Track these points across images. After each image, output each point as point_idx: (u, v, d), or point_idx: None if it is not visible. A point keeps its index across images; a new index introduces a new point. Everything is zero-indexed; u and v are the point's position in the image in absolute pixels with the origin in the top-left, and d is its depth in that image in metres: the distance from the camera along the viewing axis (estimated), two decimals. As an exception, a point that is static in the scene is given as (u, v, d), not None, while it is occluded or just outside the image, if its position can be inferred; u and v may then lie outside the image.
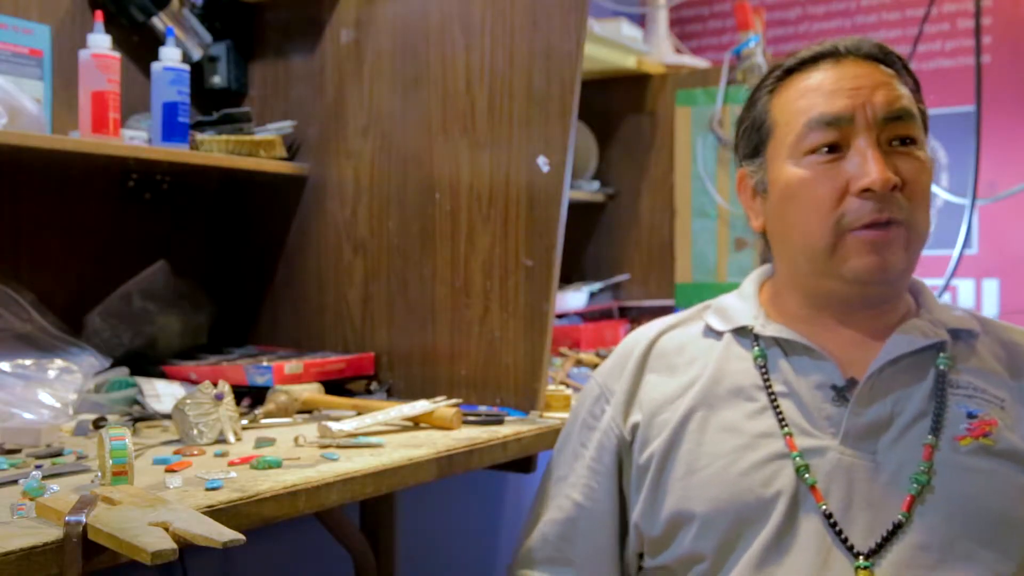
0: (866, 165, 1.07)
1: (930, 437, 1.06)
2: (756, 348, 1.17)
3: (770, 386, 1.13)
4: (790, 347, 1.16)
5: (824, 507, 1.04)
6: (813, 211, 1.10)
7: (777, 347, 1.16)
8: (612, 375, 1.25)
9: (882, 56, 1.14)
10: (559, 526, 1.24)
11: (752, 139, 1.19)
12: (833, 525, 1.04)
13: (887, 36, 2.98)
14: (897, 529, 1.02)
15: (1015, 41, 2.80)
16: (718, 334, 1.22)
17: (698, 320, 1.26)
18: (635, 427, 1.19)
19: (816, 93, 1.12)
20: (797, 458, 1.07)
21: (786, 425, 1.10)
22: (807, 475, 1.06)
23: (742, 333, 1.20)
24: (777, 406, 1.11)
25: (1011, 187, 2.66)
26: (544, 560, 1.24)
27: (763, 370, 1.15)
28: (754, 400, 1.14)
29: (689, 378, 1.19)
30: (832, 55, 1.14)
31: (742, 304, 1.23)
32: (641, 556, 1.19)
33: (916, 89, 1.16)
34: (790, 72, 1.16)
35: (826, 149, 1.10)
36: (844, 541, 1.03)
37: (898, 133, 1.10)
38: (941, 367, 1.11)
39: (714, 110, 2.46)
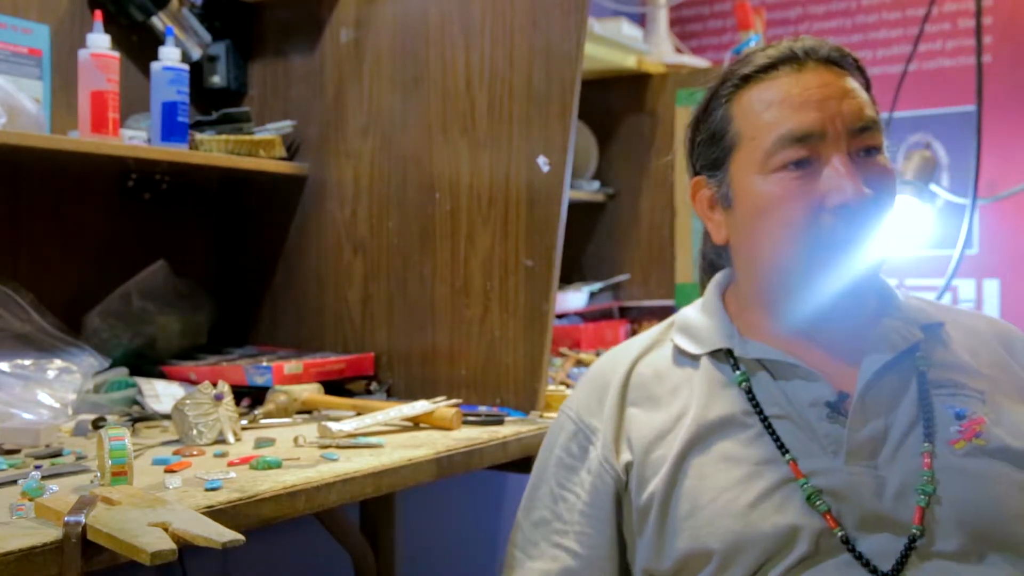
0: (840, 180, 1.05)
1: (926, 444, 1.04)
2: (738, 372, 1.12)
3: (760, 411, 1.09)
4: (776, 367, 1.11)
5: (840, 532, 1.02)
6: (785, 229, 1.08)
7: (762, 369, 1.12)
8: (588, 410, 1.17)
9: (839, 58, 1.12)
10: None
11: (711, 152, 1.14)
12: (852, 549, 1.02)
13: (888, 36, 2.98)
14: (913, 543, 1.00)
15: (1016, 41, 2.80)
16: (693, 358, 1.16)
17: (667, 341, 1.20)
18: (628, 466, 1.12)
19: (783, 106, 1.08)
20: (805, 484, 1.03)
21: (786, 450, 1.06)
22: (818, 501, 1.03)
23: (719, 357, 1.14)
24: (772, 431, 1.08)
25: (1011, 187, 2.66)
26: None
27: (749, 394, 1.10)
28: (747, 427, 1.09)
29: (677, 410, 1.13)
30: (791, 60, 1.10)
31: (710, 321, 1.17)
32: None
33: (869, 88, 1.14)
34: (747, 79, 1.12)
35: (796, 164, 1.07)
36: (866, 564, 1.01)
37: (865, 143, 1.09)
38: (921, 368, 1.09)
39: (714, 110, 2.46)
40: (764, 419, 1.09)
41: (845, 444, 1.06)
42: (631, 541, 1.12)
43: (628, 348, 1.21)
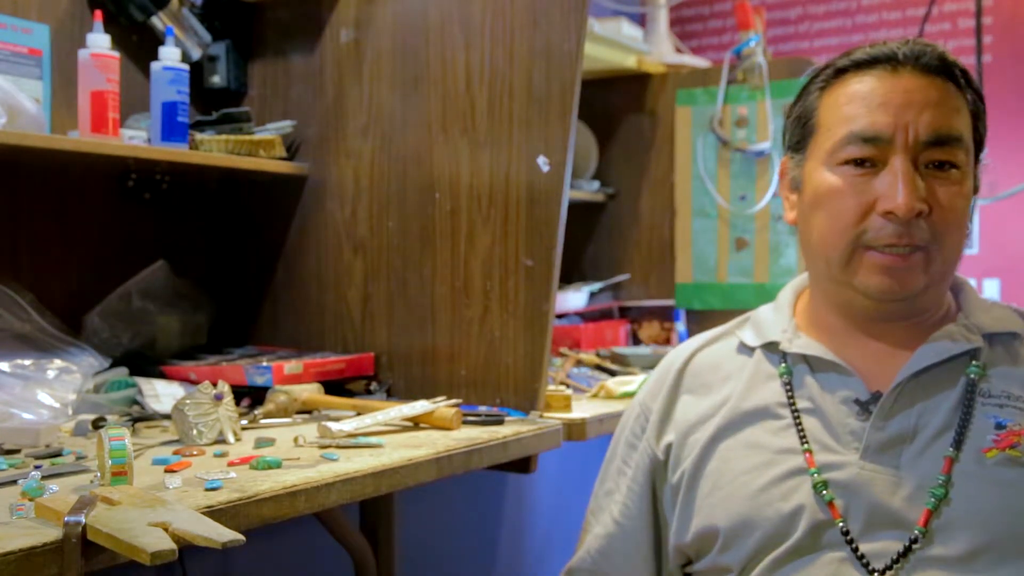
0: (894, 188, 1.05)
1: (951, 449, 1.03)
2: (783, 365, 1.16)
3: (794, 403, 1.12)
4: (817, 363, 1.14)
5: (841, 524, 1.03)
6: (836, 221, 1.09)
7: (804, 363, 1.15)
8: (651, 394, 1.26)
9: (943, 68, 1.09)
10: (600, 541, 1.26)
11: (797, 132, 1.17)
12: (850, 542, 1.02)
13: (888, 36, 2.97)
14: (913, 544, 1.01)
15: (1016, 40, 2.80)
16: (750, 350, 1.21)
17: (733, 334, 1.25)
18: (668, 447, 1.20)
19: (862, 103, 1.09)
20: (815, 474, 1.06)
21: (807, 441, 1.09)
22: (824, 491, 1.04)
23: (771, 349, 1.18)
24: (800, 423, 1.10)
25: (1011, 187, 2.66)
26: (585, 571, 1.28)
27: (788, 387, 1.14)
28: (779, 418, 1.13)
29: (721, 397, 1.18)
30: (889, 61, 1.10)
31: (775, 316, 1.22)
32: (683, 568, 1.20)
33: (977, 102, 1.12)
34: (844, 71, 1.13)
35: (860, 162, 1.08)
36: (860, 558, 1.01)
37: (937, 157, 1.07)
38: (971, 375, 1.08)
39: (714, 110, 2.46)
40: (795, 412, 1.12)
41: (864, 440, 1.07)
42: (665, 518, 1.20)
43: (695, 339, 1.28)
